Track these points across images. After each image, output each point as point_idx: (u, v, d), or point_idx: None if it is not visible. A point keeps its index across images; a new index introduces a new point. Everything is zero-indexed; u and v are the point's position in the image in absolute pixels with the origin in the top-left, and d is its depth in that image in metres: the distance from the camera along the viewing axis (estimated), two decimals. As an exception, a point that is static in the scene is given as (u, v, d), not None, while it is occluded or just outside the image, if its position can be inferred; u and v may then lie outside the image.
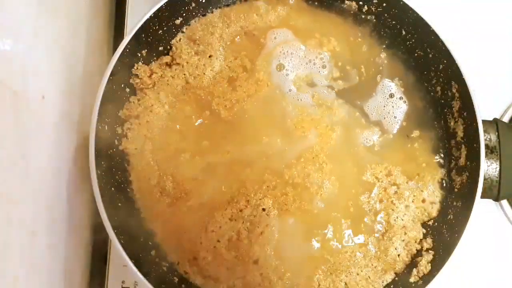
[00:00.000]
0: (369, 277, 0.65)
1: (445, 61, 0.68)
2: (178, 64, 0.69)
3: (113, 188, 0.63)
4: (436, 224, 0.67)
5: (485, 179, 0.64)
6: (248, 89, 0.69)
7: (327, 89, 0.71)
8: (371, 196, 0.67)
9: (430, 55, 0.70)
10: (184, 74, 0.69)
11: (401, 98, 0.71)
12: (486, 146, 0.64)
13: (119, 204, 0.63)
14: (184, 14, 0.71)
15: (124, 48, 0.64)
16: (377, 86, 0.72)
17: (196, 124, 0.68)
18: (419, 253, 0.66)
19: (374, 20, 0.74)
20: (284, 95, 0.69)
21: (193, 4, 0.71)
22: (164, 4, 0.66)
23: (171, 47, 0.71)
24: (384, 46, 0.74)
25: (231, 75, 0.70)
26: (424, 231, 0.67)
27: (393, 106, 0.71)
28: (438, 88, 0.71)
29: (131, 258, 0.58)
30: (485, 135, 0.64)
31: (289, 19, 0.73)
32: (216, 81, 0.69)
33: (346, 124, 0.70)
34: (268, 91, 0.69)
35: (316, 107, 0.69)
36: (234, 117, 0.68)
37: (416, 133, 0.70)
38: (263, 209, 0.64)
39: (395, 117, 0.71)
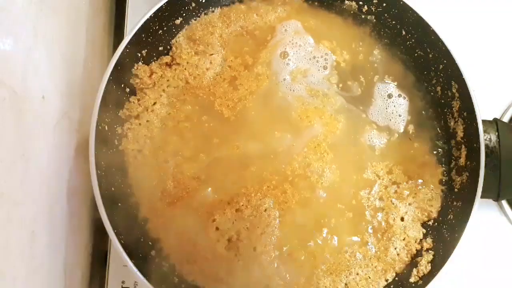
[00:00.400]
0: (369, 277, 0.65)
1: (445, 61, 0.68)
2: (178, 64, 0.70)
3: (113, 188, 0.63)
4: (436, 224, 0.67)
5: (485, 179, 0.64)
6: (249, 86, 0.69)
7: (323, 83, 0.71)
8: (371, 194, 0.67)
9: (430, 55, 0.70)
10: (184, 74, 0.69)
11: (399, 95, 0.71)
12: (486, 146, 0.64)
13: (119, 204, 0.63)
14: (184, 14, 0.71)
15: (124, 48, 0.64)
16: (374, 90, 0.71)
17: (197, 124, 0.68)
18: (419, 253, 0.66)
19: (374, 20, 0.74)
20: (278, 84, 0.70)
21: (193, 4, 0.71)
22: (164, 4, 0.66)
23: (171, 47, 0.71)
24: (379, 45, 0.74)
25: (232, 74, 0.70)
26: (424, 231, 0.67)
27: (394, 106, 0.71)
28: (438, 88, 0.71)
29: (131, 258, 0.58)
30: (485, 135, 0.64)
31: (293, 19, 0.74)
32: (216, 82, 0.69)
33: (352, 122, 0.70)
34: (269, 84, 0.69)
35: (314, 98, 0.70)
36: (237, 116, 0.68)
37: (420, 125, 0.71)
38: (264, 210, 0.64)
39: (399, 115, 0.71)
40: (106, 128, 0.63)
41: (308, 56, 0.71)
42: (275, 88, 0.69)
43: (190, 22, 0.72)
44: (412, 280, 0.64)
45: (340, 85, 0.71)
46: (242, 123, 0.68)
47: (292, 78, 0.70)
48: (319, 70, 0.71)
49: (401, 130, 0.70)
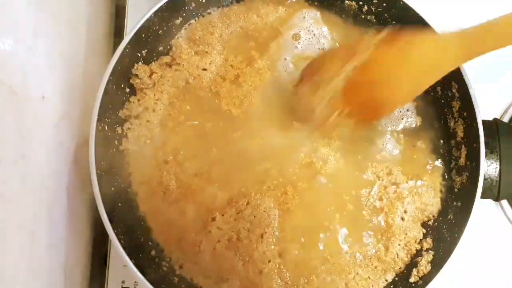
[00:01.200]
0: (369, 277, 0.65)
1: (445, 61, 0.68)
2: (178, 64, 0.70)
3: (113, 188, 0.63)
4: (436, 224, 0.67)
5: (485, 179, 0.64)
6: (252, 81, 0.69)
7: None
8: (370, 194, 0.67)
9: (430, 55, 0.70)
10: (184, 74, 0.69)
11: None
12: (486, 146, 0.64)
13: (119, 204, 0.63)
14: (184, 14, 0.71)
15: (124, 48, 0.64)
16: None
17: (199, 123, 0.68)
18: (419, 253, 0.66)
19: (374, 20, 0.74)
20: (277, 60, 0.70)
21: (193, 4, 0.71)
22: (164, 4, 0.66)
23: (171, 47, 0.71)
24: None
25: (235, 72, 0.70)
26: (424, 231, 0.67)
27: None
28: (438, 88, 0.71)
29: (131, 258, 0.58)
30: (485, 135, 0.64)
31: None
32: (217, 82, 0.69)
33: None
34: (271, 76, 0.69)
35: None
36: (245, 113, 0.68)
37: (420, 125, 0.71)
38: (264, 210, 0.64)
39: (407, 109, 0.71)
40: (106, 128, 0.63)
41: (318, 46, 0.72)
42: (273, 67, 0.70)
43: (190, 22, 0.72)
44: (412, 280, 0.64)
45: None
46: (250, 119, 0.68)
47: (292, 61, 0.70)
48: None
49: (414, 124, 0.70)
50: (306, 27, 0.72)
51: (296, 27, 0.72)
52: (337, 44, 0.72)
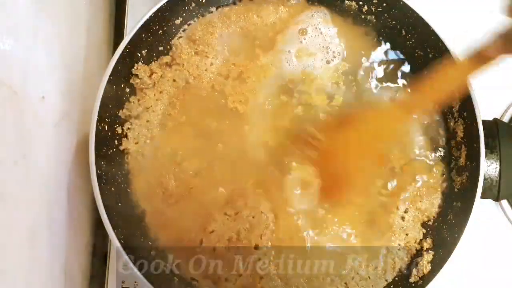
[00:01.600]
0: (369, 277, 0.65)
1: (445, 61, 0.68)
2: (178, 64, 0.70)
3: (113, 188, 0.63)
4: (436, 224, 0.67)
5: (485, 179, 0.64)
6: (257, 78, 0.69)
7: (318, 70, 0.71)
8: (370, 194, 0.67)
9: (430, 55, 0.70)
10: (184, 74, 0.69)
11: (395, 92, 0.71)
12: (486, 146, 0.64)
13: (119, 204, 0.63)
14: (184, 14, 0.71)
15: (124, 48, 0.64)
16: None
17: (198, 122, 0.68)
18: (419, 253, 0.66)
19: (374, 20, 0.74)
20: (281, 51, 0.70)
21: (193, 4, 0.71)
22: (164, 4, 0.66)
23: (171, 47, 0.71)
24: (378, 46, 0.74)
25: (239, 70, 0.69)
26: (424, 231, 0.67)
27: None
28: (438, 88, 0.71)
29: (131, 258, 0.58)
30: (485, 135, 0.64)
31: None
32: (218, 81, 0.69)
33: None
34: (275, 71, 0.70)
35: (303, 83, 0.70)
36: (251, 110, 0.68)
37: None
38: (262, 212, 0.64)
39: None
40: (106, 128, 0.63)
41: (323, 44, 0.72)
42: (276, 61, 0.70)
43: (190, 22, 0.72)
44: (412, 280, 0.64)
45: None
46: (255, 115, 0.68)
47: (296, 55, 0.70)
48: (322, 59, 0.71)
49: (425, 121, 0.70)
50: (314, 25, 0.72)
51: (304, 23, 0.72)
52: (341, 43, 0.72)
